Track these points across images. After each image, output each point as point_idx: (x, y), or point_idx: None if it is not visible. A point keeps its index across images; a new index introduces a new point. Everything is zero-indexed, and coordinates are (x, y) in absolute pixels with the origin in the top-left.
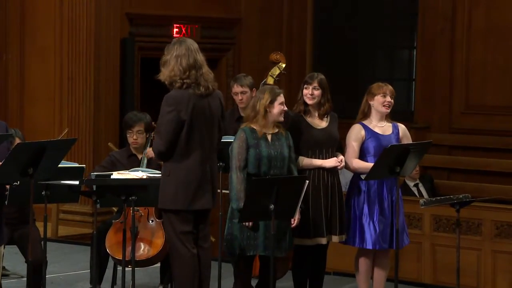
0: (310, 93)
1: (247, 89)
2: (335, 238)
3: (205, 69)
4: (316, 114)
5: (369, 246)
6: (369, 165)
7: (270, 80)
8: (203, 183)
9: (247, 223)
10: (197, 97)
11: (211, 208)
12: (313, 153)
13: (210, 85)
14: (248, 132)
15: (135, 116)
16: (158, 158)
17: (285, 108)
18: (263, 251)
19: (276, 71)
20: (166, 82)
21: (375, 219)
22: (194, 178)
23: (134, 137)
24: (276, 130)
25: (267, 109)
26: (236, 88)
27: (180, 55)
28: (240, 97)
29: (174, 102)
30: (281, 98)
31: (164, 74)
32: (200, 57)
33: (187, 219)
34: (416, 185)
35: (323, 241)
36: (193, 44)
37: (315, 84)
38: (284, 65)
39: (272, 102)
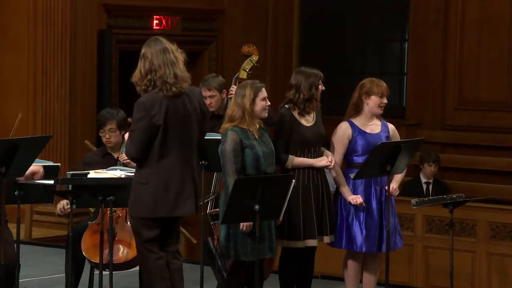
0: (323, 88)
1: (215, 93)
2: (326, 239)
3: (179, 67)
4: (310, 111)
5: (355, 248)
6: (341, 183)
7: (243, 74)
8: (185, 188)
9: (244, 228)
10: (169, 99)
11: (195, 214)
12: (301, 152)
13: (180, 85)
14: (240, 132)
15: (107, 113)
16: (132, 161)
17: (268, 103)
18: (268, 253)
19: (249, 64)
20: (134, 83)
21: (361, 220)
22: (175, 184)
23: (107, 136)
24: (258, 126)
25: (251, 107)
26: (204, 92)
27: (145, 60)
28: (209, 101)
29: (144, 108)
30: (262, 93)
31: (134, 76)
32: (165, 58)
33: (152, 226)
34: (427, 183)
35: (314, 243)
36: (160, 45)
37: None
38: (256, 58)
39: (254, 98)
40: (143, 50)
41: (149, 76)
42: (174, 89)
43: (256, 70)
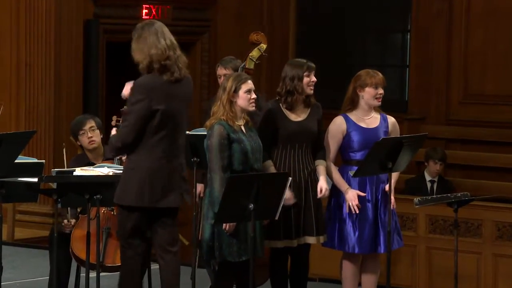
0: (313, 80)
1: (230, 72)
2: (312, 239)
3: (179, 52)
4: (302, 105)
5: (347, 249)
6: (337, 178)
7: (250, 64)
8: (172, 178)
9: (226, 228)
10: (169, 84)
11: (179, 206)
12: (284, 148)
13: (183, 71)
14: (227, 126)
15: (82, 117)
16: (120, 151)
17: (254, 96)
18: (259, 253)
19: (256, 53)
20: (143, 64)
21: (354, 219)
22: (162, 173)
23: (89, 135)
24: (245, 122)
25: (232, 99)
26: (220, 71)
27: (156, 35)
28: (222, 80)
29: (145, 90)
30: (246, 86)
31: (144, 53)
32: (174, 39)
33: (137, 218)
34: (432, 182)
35: (293, 243)
36: (163, 27)
37: (314, 71)
38: (265, 46)
39: (236, 90)
40: (149, 31)
41: (171, 52)
42: (183, 73)
43: None
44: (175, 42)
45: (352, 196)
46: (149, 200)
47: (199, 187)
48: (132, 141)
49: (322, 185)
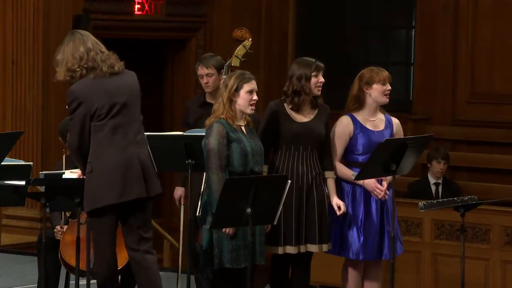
0: (321, 80)
1: (213, 71)
2: (314, 248)
3: (107, 51)
4: (309, 106)
5: (351, 256)
6: (348, 174)
7: (236, 62)
8: (130, 171)
9: (227, 231)
10: (104, 79)
11: (144, 196)
12: (288, 149)
13: (118, 66)
14: (227, 125)
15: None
16: (74, 155)
17: (255, 98)
18: (259, 260)
19: (242, 50)
20: (67, 79)
21: (359, 224)
22: (119, 166)
23: None
24: (246, 122)
25: (232, 98)
26: (201, 70)
27: (74, 45)
28: (205, 80)
29: (78, 95)
30: (249, 86)
31: (61, 72)
32: (98, 42)
33: (109, 221)
34: (436, 184)
35: (294, 250)
36: (85, 36)
37: (322, 71)
38: (250, 43)
39: (237, 89)
40: (68, 42)
41: (92, 54)
42: (116, 66)
43: (248, 60)
44: (100, 43)
45: (373, 184)
46: (112, 197)
47: (179, 190)
48: (78, 144)
49: (338, 202)
